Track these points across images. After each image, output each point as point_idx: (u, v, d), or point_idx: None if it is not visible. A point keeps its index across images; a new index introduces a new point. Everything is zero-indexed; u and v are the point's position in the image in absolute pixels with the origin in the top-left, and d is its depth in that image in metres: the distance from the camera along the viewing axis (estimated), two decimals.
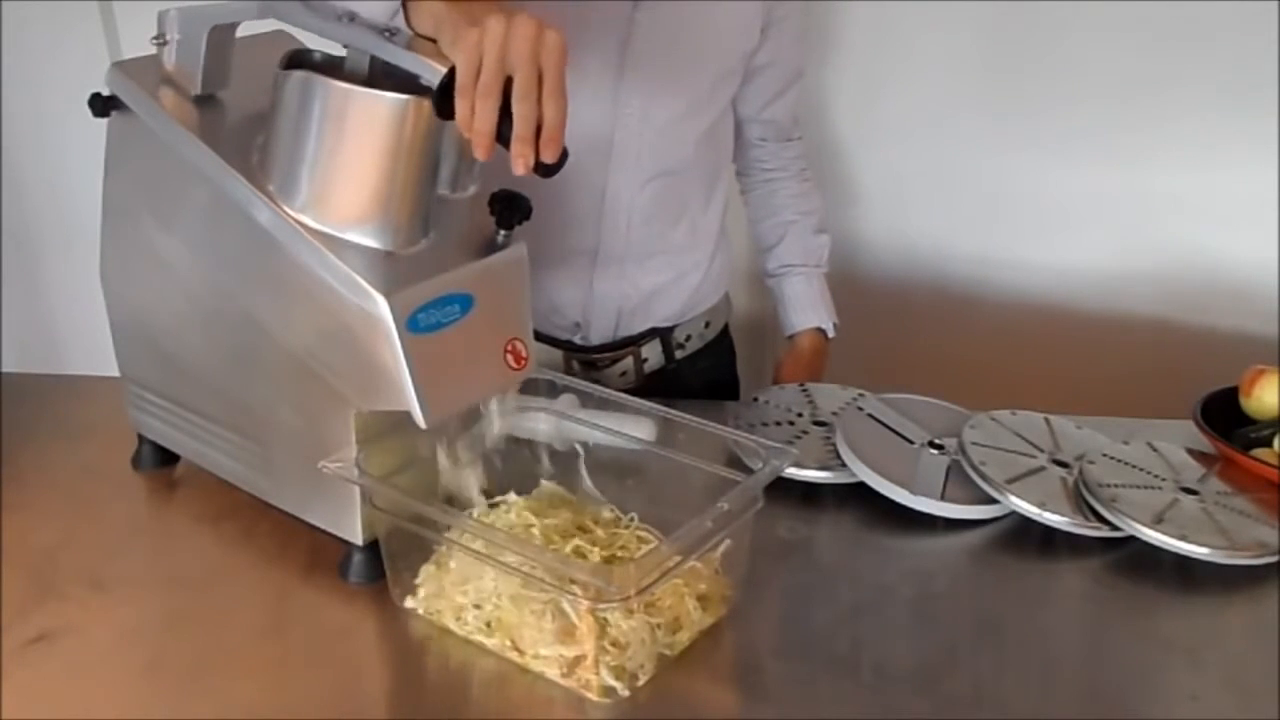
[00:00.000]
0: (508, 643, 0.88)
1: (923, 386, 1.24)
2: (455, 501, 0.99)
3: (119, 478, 1.15)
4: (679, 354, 1.44)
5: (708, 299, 1.45)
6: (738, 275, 1.57)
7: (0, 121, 1.95)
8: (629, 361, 1.41)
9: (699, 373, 1.47)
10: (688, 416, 1.00)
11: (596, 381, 1.40)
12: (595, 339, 1.39)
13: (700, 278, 1.41)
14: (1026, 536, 1.04)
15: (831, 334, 1.49)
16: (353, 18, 0.88)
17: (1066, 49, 1.65)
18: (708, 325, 1.47)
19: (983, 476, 1.06)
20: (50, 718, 0.84)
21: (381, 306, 0.87)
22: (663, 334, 1.42)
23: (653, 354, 1.42)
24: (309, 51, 0.95)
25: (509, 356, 0.97)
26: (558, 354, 1.40)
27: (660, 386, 1.42)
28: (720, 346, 1.51)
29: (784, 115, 1.44)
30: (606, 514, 1.00)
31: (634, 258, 1.35)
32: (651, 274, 1.37)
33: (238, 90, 0.98)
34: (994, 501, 1.05)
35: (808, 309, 1.48)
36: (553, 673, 0.86)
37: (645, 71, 1.25)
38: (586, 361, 1.40)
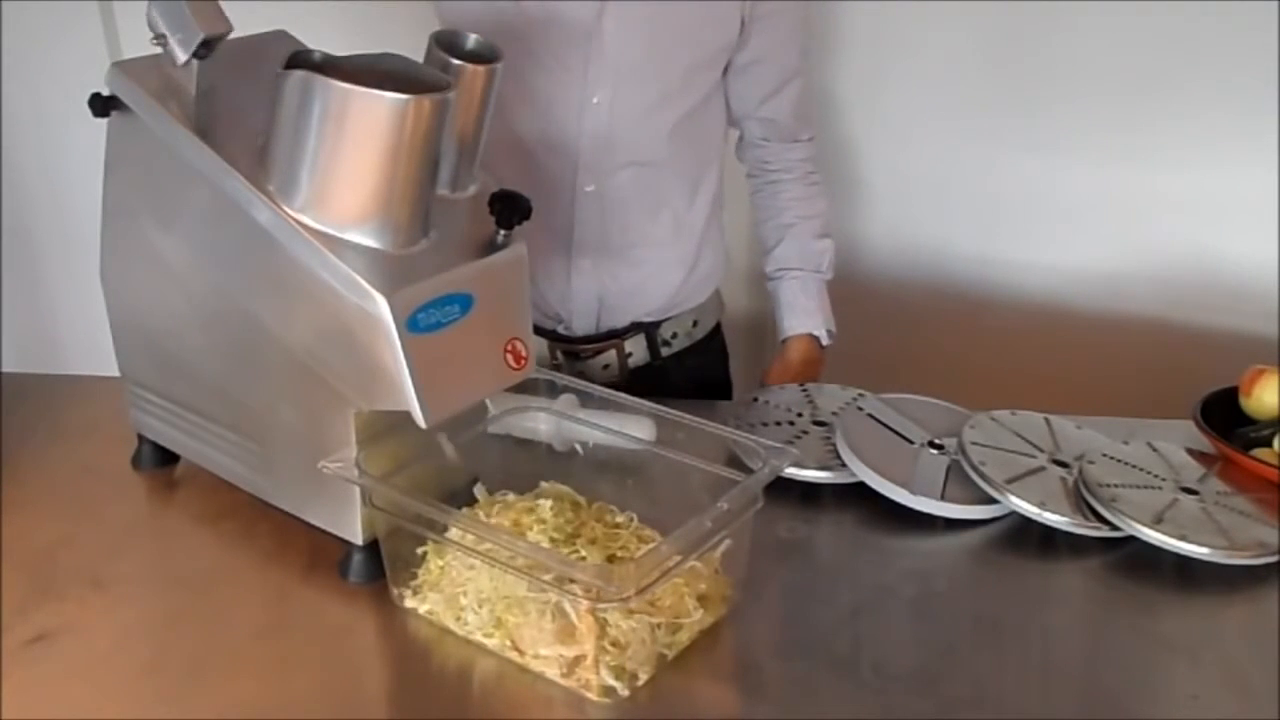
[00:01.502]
0: (508, 643, 0.88)
1: (923, 386, 1.24)
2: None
3: (119, 478, 1.15)
4: (665, 351, 1.44)
5: (693, 297, 1.44)
6: (737, 275, 1.57)
7: (0, 121, 1.95)
8: (612, 355, 1.41)
9: (687, 371, 1.46)
10: (688, 416, 1.00)
11: (580, 373, 1.40)
12: (578, 329, 1.40)
13: (684, 274, 1.41)
14: (1026, 536, 1.04)
15: (826, 341, 1.46)
16: None
17: (1067, 50, 1.65)
18: (695, 324, 1.46)
19: (983, 476, 1.06)
20: (50, 718, 0.84)
21: (381, 306, 0.87)
22: (647, 329, 1.42)
23: (637, 349, 1.42)
24: (309, 51, 0.95)
25: (509, 356, 0.97)
26: (542, 343, 1.40)
27: (646, 383, 1.42)
28: (710, 346, 1.50)
29: (784, 114, 1.43)
30: (607, 514, 1.00)
31: (612, 248, 1.35)
32: (631, 266, 1.37)
33: (238, 90, 0.98)
34: (994, 501, 1.05)
35: (800, 314, 1.46)
36: (553, 673, 0.86)
37: (613, 61, 1.26)
38: (570, 352, 1.41)
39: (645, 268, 1.38)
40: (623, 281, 1.37)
